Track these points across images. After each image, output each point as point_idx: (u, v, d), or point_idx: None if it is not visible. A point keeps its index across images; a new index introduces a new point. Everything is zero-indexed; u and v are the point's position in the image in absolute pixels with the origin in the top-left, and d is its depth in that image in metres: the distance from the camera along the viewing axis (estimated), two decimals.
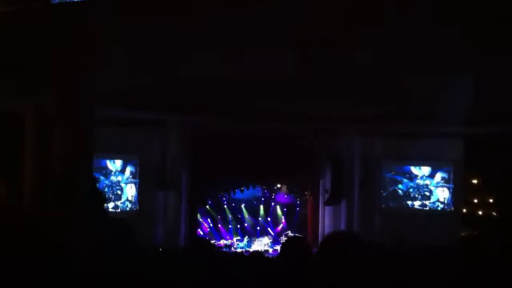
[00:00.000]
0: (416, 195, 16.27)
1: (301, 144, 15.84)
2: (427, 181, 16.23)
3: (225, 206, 18.12)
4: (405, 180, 16.34)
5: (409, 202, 16.31)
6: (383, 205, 16.45)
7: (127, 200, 14.28)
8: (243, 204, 18.42)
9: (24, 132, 9.40)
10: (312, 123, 14.54)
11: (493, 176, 15.80)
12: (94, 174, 11.94)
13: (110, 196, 13.72)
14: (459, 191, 16.14)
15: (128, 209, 14.25)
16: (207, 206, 17.52)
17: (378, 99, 10.47)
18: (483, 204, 16.96)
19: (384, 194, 16.47)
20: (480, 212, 17.03)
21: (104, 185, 13.64)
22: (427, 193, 16.23)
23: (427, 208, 16.22)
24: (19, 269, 4.38)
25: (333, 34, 6.44)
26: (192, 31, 6.16)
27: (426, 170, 16.26)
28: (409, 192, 16.32)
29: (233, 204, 18.30)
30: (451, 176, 16.05)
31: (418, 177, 16.27)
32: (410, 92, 9.95)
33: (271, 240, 17.78)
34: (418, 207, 16.25)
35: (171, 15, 5.75)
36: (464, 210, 16.63)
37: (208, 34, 6.20)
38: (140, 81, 8.90)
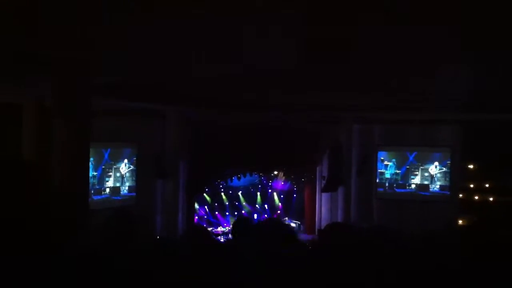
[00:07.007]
0: (413, 181, 16.32)
1: (300, 131, 15.83)
2: (424, 167, 16.28)
3: (222, 193, 18.14)
4: (402, 167, 16.39)
5: (406, 188, 16.37)
6: (380, 192, 16.52)
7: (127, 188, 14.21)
8: (240, 191, 18.48)
9: (21, 123, 9.33)
10: (311, 111, 14.50)
11: (490, 162, 15.90)
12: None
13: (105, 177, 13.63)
14: (456, 177, 16.21)
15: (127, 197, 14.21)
16: (204, 194, 17.51)
17: (376, 87, 10.44)
18: (479, 190, 17.05)
19: (381, 181, 16.52)
20: (477, 197, 17.14)
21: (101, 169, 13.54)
22: (424, 180, 16.29)
23: (424, 194, 16.28)
24: (19, 269, 4.35)
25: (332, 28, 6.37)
26: (189, 27, 6.08)
27: (423, 156, 16.30)
28: (406, 178, 16.37)
29: (230, 191, 18.31)
30: (448, 162, 16.11)
31: (415, 163, 16.32)
32: (407, 80, 9.92)
33: None
34: (415, 193, 16.31)
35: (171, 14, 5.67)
36: (461, 196, 16.74)
37: (205, 30, 6.13)
38: (140, 77, 8.84)
